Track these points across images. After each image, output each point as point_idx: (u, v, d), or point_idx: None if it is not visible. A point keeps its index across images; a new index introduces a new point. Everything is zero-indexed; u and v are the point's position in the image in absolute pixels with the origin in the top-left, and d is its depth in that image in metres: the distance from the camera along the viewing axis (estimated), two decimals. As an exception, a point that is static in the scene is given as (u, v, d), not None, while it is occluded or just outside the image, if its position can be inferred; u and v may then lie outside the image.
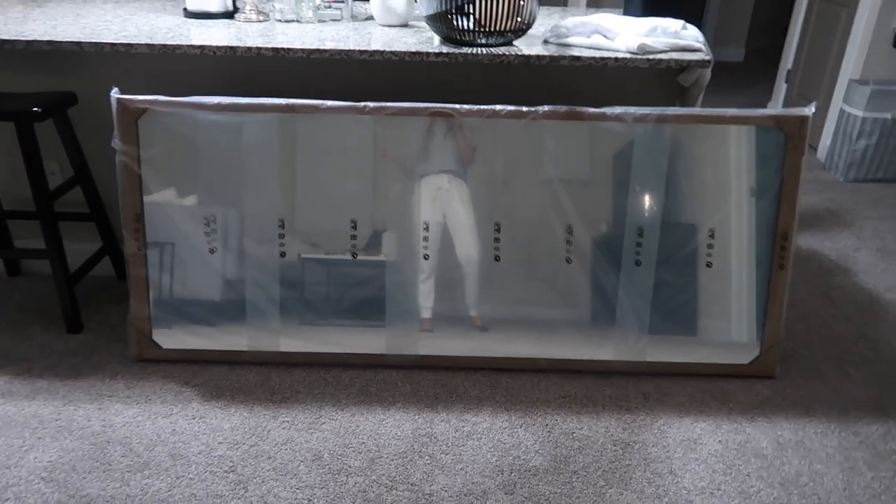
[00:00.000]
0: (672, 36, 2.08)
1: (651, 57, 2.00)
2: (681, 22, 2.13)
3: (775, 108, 4.78)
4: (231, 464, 1.75)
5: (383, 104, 1.96)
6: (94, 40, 2.03)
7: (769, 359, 2.10)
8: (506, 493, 1.68)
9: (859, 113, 3.59)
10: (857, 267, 2.83)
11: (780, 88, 4.71)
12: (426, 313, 2.10)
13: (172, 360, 2.12)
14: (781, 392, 2.06)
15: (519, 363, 2.10)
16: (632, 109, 1.95)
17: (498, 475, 1.74)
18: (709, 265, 2.06)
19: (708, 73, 2.12)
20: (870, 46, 3.73)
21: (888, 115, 3.55)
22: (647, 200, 2.03)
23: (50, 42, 2.02)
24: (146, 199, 2.02)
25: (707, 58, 2.02)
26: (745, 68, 6.57)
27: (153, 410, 1.93)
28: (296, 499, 1.66)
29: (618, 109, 1.95)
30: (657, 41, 2.04)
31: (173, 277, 2.09)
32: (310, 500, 1.65)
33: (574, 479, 1.73)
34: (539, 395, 2.02)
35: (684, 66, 2.04)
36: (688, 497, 1.69)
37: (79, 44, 2.03)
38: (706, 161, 2.02)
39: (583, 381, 2.08)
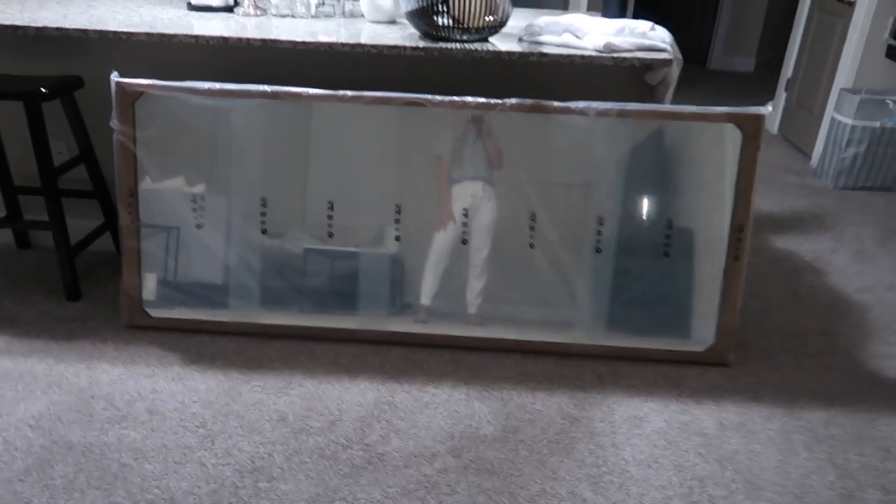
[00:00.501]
0: (639, 36, 2.19)
1: (616, 55, 2.11)
2: (649, 23, 2.24)
3: (774, 114, 4.83)
4: (202, 420, 1.89)
5: (361, 93, 2.09)
6: (99, 28, 2.20)
7: (723, 347, 2.18)
8: (453, 457, 1.80)
9: (849, 121, 3.65)
10: (831, 268, 2.89)
11: (781, 97, 4.76)
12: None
13: (160, 328, 2.27)
14: (733, 379, 2.15)
15: (484, 343, 2.21)
16: (594, 104, 2.06)
17: (448, 440, 1.85)
18: (666, 255, 2.15)
19: (675, 72, 2.22)
20: (863, 56, 3.79)
21: (877, 124, 3.60)
22: (607, 191, 2.13)
23: (58, 29, 2.19)
24: (140, 175, 2.17)
25: (670, 57, 2.12)
26: (754, 78, 6.62)
27: (137, 371, 2.07)
28: (257, 453, 1.79)
29: (581, 104, 2.06)
30: (624, 41, 2.15)
31: (164, 252, 2.24)
32: (270, 455, 1.78)
33: (520, 447, 1.84)
34: (499, 373, 2.13)
35: (649, 65, 2.14)
36: (625, 467, 1.78)
37: (84, 31, 2.19)
38: (666, 155, 2.12)
39: (543, 361, 2.19)
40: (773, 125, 4.83)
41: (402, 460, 1.78)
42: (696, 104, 2.08)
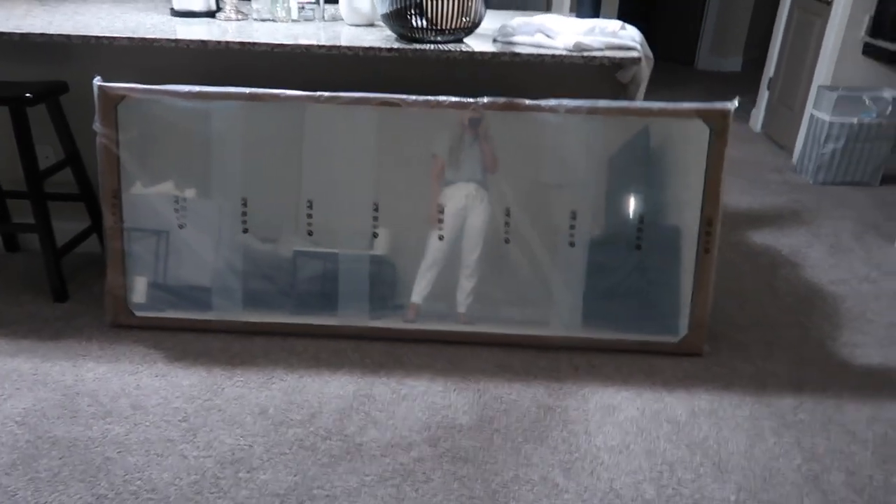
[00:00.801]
0: (609, 35, 2.24)
1: (586, 54, 2.16)
2: (619, 22, 2.29)
3: (757, 112, 4.89)
4: (185, 414, 1.93)
5: (337, 94, 2.14)
6: (82, 34, 2.25)
7: (696, 338, 2.23)
8: (429, 446, 1.84)
9: (826, 118, 3.70)
10: (807, 262, 2.95)
11: (763, 95, 4.82)
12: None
13: (145, 326, 2.31)
14: (706, 368, 2.19)
15: (462, 336, 2.26)
16: (565, 102, 2.11)
17: (425, 430, 1.90)
18: (638, 248, 2.20)
19: (645, 70, 2.27)
20: (840, 54, 3.85)
21: (854, 120, 3.66)
22: (580, 186, 2.18)
23: (42, 35, 2.24)
24: (123, 177, 2.22)
25: (639, 55, 2.18)
26: (741, 77, 6.68)
27: (121, 368, 2.12)
28: (238, 445, 1.83)
29: (552, 102, 2.11)
30: (594, 40, 2.20)
31: (149, 254, 2.28)
32: (251, 447, 1.83)
33: (495, 436, 1.88)
34: (477, 365, 2.18)
35: (619, 63, 2.19)
36: (597, 454, 1.83)
37: (68, 36, 2.24)
38: (638, 151, 2.17)
39: (520, 353, 2.24)
40: (756, 123, 4.89)
41: (379, 450, 1.83)
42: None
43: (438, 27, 2.22)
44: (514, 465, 1.79)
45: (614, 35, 2.25)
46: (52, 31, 2.25)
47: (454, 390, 2.06)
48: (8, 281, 2.60)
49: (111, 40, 2.24)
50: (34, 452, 1.79)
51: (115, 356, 2.17)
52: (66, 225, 2.65)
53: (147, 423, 1.90)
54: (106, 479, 1.71)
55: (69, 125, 2.50)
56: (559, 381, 2.11)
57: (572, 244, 2.20)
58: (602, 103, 2.12)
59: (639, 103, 2.15)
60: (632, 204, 2.19)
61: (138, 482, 1.71)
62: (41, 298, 2.48)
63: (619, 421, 1.95)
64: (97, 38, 2.24)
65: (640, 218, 2.19)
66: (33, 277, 2.61)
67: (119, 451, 1.80)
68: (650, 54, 2.29)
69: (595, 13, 2.51)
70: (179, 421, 1.91)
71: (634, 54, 2.18)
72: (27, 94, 2.24)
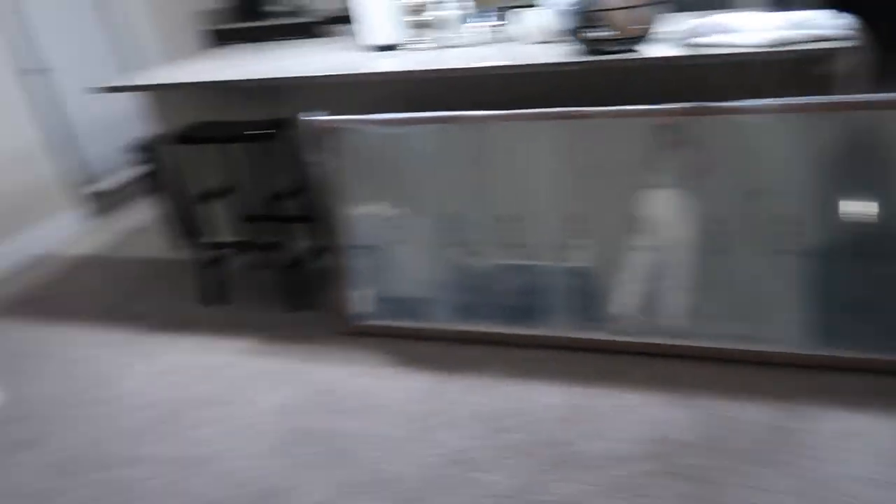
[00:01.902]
0: (809, 27, 2.12)
1: (787, 48, 2.07)
2: (818, 12, 2.16)
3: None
4: (411, 415, 2.17)
5: (521, 111, 2.21)
6: (306, 75, 2.57)
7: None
8: (648, 460, 1.86)
9: None
10: None
11: None
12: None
13: (370, 334, 2.60)
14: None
15: (672, 350, 2.25)
16: (765, 101, 2.01)
17: (644, 444, 1.91)
18: (875, 257, 2.03)
19: (854, 59, 2.12)
20: None
21: None
22: (790, 190, 2.08)
23: (273, 79, 2.60)
24: (341, 200, 2.51)
25: (847, 45, 2.04)
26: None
27: (353, 371, 2.42)
28: (461, 446, 2.02)
29: (751, 102, 2.03)
30: (793, 33, 2.10)
31: (370, 269, 2.57)
32: (472, 448, 2.00)
33: (717, 455, 1.84)
34: (693, 380, 2.13)
35: (819, 56, 2.08)
36: (836, 485, 1.73)
37: (296, 78, 2.57)
38: (860, 148, 2.00)
39: (737, 370, 2.16)
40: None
41: (597, 460, 1.90)
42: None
43: (618, 37, 2.23)
44: (740, 488, 1.76)
45: (811, 25, 2.13)
46: (282, 75, 2.60)
47: (674, 405, 2.05)
48: (257, 293, 3.02)
49: (327, 78, 2.54)
50: (291, 440, 2.11)
51: (346, 360, 2.48)
52: (302, 244, 3.00)
53: (380, 421, 2.15)
54: (346, 469, 1.97)
55: (299, 156, 2.83)
56: (786, 401, 2.02)
57: (788, 253, 2.11)
58: (807, 100, 2.01)
59: (850, 97, 2.01)
60: (854, 207, 2.05)
61: (382, 472, 1.95)
62: (278, 308, 2.87)
63: (859, 448, 1.84)
64: (311, 76, 2.57)
65: (872, 223, 2.05)
66: (271, 290, 2.99)
67: (357, 444, 2.07)
68: (861, 42, 2.13)
69: (786, 6, 2.38)
70: (406, 421, 2.14)
71: (841, 44, 2.06)
72: (271, 131, 2.60)
